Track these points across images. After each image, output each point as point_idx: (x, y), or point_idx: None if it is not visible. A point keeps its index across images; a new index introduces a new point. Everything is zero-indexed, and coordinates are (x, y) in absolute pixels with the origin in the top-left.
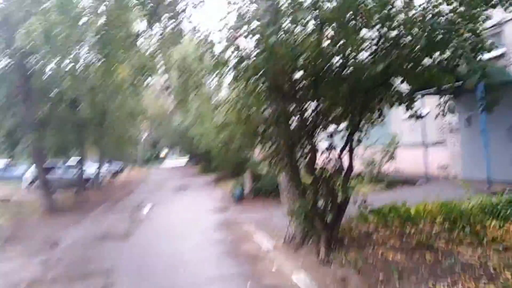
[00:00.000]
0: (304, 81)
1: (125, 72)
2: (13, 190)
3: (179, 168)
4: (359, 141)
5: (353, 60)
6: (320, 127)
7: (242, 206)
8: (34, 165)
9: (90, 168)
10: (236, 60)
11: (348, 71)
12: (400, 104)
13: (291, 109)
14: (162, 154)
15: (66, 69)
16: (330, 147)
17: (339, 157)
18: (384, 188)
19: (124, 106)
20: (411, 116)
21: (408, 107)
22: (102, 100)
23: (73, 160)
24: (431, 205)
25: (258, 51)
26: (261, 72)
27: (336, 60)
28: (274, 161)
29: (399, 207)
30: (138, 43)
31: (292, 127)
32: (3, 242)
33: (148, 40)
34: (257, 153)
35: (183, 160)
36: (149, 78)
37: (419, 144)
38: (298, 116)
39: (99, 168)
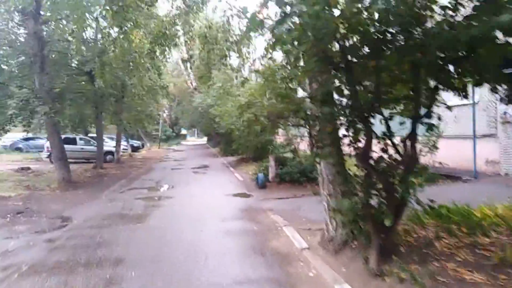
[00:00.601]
0: (361, 49)
1: (143, 39)
2: (34, 160)
3: (198, 148)
4: (431, 127)
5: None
6: (378, 108)
7: (266, 192)
8: (49, 136)
9: (110, 143)
10: (276, 19)
11: (424, 36)
12: (480, 84)
13: (342, 85)
14: (181, 133)
15: (82, 38)
16: (389, 134)
17: (405, 145)
18: (425, 183)
19: (143, 80)
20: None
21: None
22: (121, 73)
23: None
24: (502, 207)
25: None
26: (308, 35)
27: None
28: (316, 147)
29: (458, 208)
30: (157, 8)
31: (342, 107)
32: (13, 215)
33: (168, 3)
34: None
35: (203, 141)
36: (169, 50)
37: (464, 135)
38: (351, 93)
39: (117, 142)
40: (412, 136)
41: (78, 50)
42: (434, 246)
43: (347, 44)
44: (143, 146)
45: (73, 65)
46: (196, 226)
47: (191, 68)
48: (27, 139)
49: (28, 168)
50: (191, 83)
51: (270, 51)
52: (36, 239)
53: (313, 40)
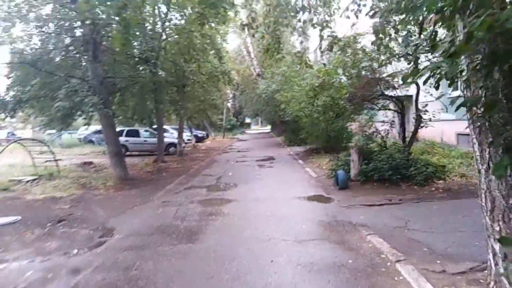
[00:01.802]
0: None
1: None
2: (101, 154)
3: (263, 137)
4: None
5: None
6: None
7: (350, 195)
8: (103, 130)
9: (175, 134)
10: None
11: None
12: None
13: None
14: (246, 122)
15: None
16: None
17: None
18: None
19: (201, 66)
20: None
21: None
22: (179, 60)
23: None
24: None
25: None
26: None
27: None
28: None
29: None
30: None
31: None
32: (53, 224)
33: None
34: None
35: (266, 129)
36: (223, 13)
37: None
38: None
39: (180, 134)
40: None
41: (134, 36)
42: None
43: None
44: (207, 136)
45: (129, 53)
46: (264, 252)
47: (253, 36)
48: (99, 132)
49: (91, 163)
50: (254, 69)
51: None
52: (60, 266)
53: None
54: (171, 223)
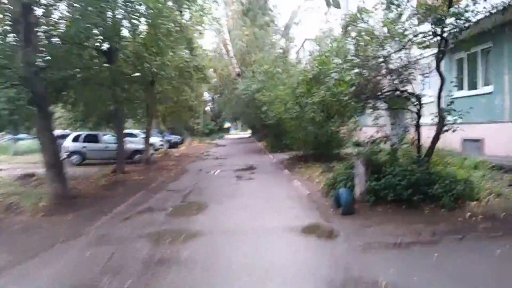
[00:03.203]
0: None
1: None
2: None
3: (242, 142)
4: None
5: None
6: None
7: (360, 225)
8: (37, 134)
9: (142, 139)
10: None
11: None
12: None
13: None
14: (224, 126)
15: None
16: None
17: None
18: None
19: (172, 60)
20: None
21: None
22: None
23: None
24: None
25: None
26: None
27: None
28: None
29: None
30: None
31: None
32: None
33: None
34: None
35: (247, 134)
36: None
37: None
38: None
39: (146, 139)
40: None
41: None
42: None
43: None
44: (183, 141)
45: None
46: None
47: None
48: (62, 137)
49: (33, 175)
50: (233, 68)
51: None
52: None
53: None
54: (93, 283)
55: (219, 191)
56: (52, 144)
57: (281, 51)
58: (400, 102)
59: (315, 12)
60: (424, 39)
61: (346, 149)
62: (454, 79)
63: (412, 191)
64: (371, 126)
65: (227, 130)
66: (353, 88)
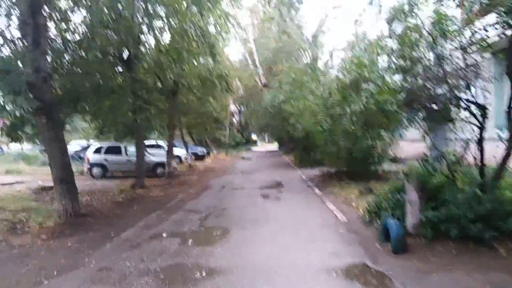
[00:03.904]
0: None
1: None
2: (77, 174)
3: (269, 156)
4: None
5: None
6: None
7: (418, 269)
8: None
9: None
10: None
11: None
12: None
13: None
14: (251, 139)
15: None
16: None
17: None
18: None
19: (196, 68)
20: None
21: None
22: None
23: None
24: None
25: None
26: None
27: None
28: None
29: None
30: None
31: None
32: None
33: None
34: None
35: (273, 146)
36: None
37: None
38: None
39: (169, 152)
40: None
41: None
42: None
43: None
44: (208, 154)
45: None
46: None
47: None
48: (86, 149)
49: (51, 188)
50: (259, 79)
51: None
52: None
53: None
54: None
55: (242, 214)
56: (63, 156)
57: (309, 59)
58: (456, 112)
59: (344, 21)
60: (487, 33)
61: (383, 166)
62: None
63: (482, 225)
64: (409, 141)
65: (254, 142)
66: (403, 95)
